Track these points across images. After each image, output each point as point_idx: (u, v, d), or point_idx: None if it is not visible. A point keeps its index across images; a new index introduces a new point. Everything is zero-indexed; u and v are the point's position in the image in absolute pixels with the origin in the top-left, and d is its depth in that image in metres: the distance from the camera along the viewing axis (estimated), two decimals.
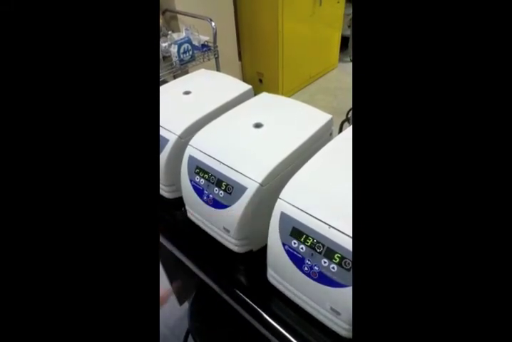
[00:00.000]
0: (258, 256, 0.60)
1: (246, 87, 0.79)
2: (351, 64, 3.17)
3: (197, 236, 0.69)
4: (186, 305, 1.25)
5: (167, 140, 0.67)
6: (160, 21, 1.96)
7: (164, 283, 1.10)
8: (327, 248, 0.46)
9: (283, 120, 0.67)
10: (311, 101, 2.72)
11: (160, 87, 0.81)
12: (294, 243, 0.49)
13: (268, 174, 0.55)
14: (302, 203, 0.49)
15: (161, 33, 1.87)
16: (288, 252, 0.50)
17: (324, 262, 0.46)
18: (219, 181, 0.58)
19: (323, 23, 2.74)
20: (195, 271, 0.68)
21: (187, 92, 0.78)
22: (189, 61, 1.83)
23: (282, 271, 0.54)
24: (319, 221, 0.46)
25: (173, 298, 1.22)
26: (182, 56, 1.77)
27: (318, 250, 0.46)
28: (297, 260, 0.49)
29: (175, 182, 0.70)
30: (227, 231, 0.60)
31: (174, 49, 1.74)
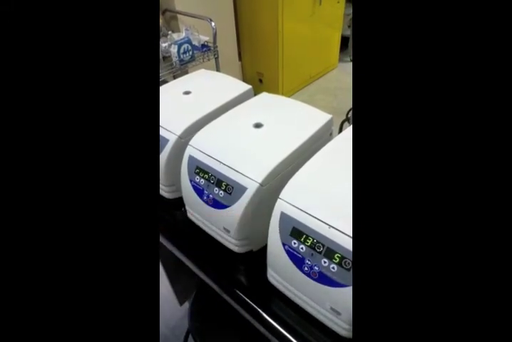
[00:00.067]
0: (258, 256, 0.60)
1: (246, 87, 0.79)
2: (351, 64, 3.17)
3: (197, 236, 0.69)
4: (186, 305, 1.25)
5: (167, 140, 0.67)
6: (160, 21, 1.96)
7: (164, 283, 1.10)
8: (327, 248, 0.46)
9: (283, 120, 0.67)
10: (311, 101, 2.72)
11: (160, 88, 0.81)
12: (294, 243, 0.49)
13: (268, 174, 0.55)
14: (302, 203, 0.49)
15: (161, 33, 1.87)
16: (288, 252, 0.50)
17: (324, 262, 0.46)
18: (219, 181, 0.58)
19: (323, 23, 2.74)
20: (195, 271, 0.68)
21: (187, 93, 0.78)
22: (189, 61, 1.83)
23: (282, 271, 0.54)
24: (319, 221, 0.46)
25: (173, 298, 1.22)
26: (182, 56, 1.77)
27: (318, 250, 0.46)
28: (297, 260, 0.49)
29: (175, 182, 0.70)
30: (227, 231, 0.60)
31: (174, 49, 1.74)
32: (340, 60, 3.23)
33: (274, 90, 2.66)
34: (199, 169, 0.61)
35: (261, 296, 0.59)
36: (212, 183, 0.59)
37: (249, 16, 2.48)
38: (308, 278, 0.48)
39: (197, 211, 0.66)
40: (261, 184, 0.54)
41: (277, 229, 0.51)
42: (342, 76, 3.09)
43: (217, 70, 2.07)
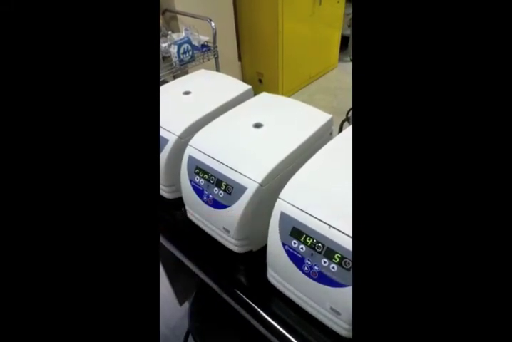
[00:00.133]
0: (258, 256, 0.60)
1: (246, 87, 0.79)
2: (351, 64, 3.17)
3: (197, 237, 0.69)
4: (186, 305, 1.25)
5: (167, 140, 0.67)
6: (160, 21, 1.96)
7: (164, 283, 1.10)
8: (327, 248, 0.46)
9: (283, 119, 0.67)
10: (311, 101, 2.72)
11: (160, 88, 0.81)
12: (294, 243, 0.49)
13: (268, 174, 0.55)
14: (302, 203, 0.49)
15: (161, 34, 1.87)
16: (288, 252, 0.50)
17: (324, 262, 0.46)
18: (219, 181, 0.58)
19: (323, 22, 2.74)
20: (195, 271, 0.68)
21: (187, 93, 0.78)
22: (189, 61, 1.83)
23: (282, 271, 0.54)
24: (319, 221, 0.46)
25: (173, 298, 1.22)
26: (181, 56, 1.77)
27: (318, 250, 0.46)
28: (297, 260, 0.49)
29: (175, 182, 0.70)
30: (227, 231, 0.60)
31: (174, 49, 1.74)
32: (340, 60, 3.23)
33: (274, 90, 2.66)
34: (199, 169, 0.61)
35: (261, 296, 0.59)
36: (212, 183, 0.59)
37: (249, 16, 2.48)
38: (308, 278, 0.48)
39: (197, 211, 0.66)
40: (261, 184, 0.54)
41: (277, 228, 0.51)
42: (342, 76, 3.09)
43: (217, 70, 2.07)
